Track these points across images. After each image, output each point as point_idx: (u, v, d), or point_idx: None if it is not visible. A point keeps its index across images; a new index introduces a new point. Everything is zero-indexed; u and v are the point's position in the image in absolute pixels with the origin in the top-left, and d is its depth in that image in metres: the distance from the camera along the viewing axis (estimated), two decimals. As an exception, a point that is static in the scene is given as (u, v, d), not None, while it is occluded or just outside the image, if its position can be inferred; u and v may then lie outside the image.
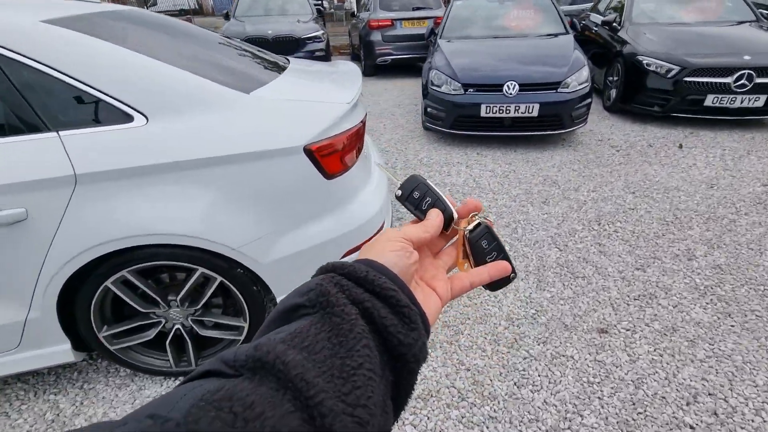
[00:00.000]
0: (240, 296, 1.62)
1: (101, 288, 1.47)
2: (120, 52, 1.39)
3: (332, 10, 17.95)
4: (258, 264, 1.55)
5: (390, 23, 7.48)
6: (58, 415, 1.64)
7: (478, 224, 0.45)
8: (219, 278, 1.57)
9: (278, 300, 1.66)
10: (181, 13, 18.78)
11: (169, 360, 1.70)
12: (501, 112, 3.94)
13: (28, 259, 1.34)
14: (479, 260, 0.45)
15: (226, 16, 8.16)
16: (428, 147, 4.31)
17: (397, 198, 0.45)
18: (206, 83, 1.45)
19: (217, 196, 1.44)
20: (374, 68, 7.89)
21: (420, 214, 0.44)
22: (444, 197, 0.44)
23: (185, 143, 1.38)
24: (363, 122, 1.78)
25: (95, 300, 1.49)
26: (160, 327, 1.65)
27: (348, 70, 2.23)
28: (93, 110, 1.33)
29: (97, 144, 1.32)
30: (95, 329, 1.55)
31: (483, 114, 3.97)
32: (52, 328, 1.48)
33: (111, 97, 1.33)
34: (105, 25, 1.54)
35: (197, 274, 1.54)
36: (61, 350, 1.53)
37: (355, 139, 1.67)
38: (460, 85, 4.04)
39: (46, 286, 1.38)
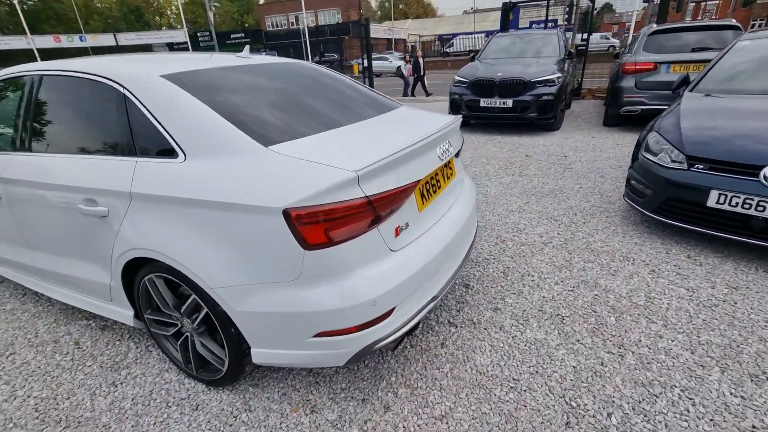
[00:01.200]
0: (221, 332, 1.67)
1: (141, 281, 1.83)
2: (191, 102, 1.67)
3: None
4: (232, 310, 1.56)
5: (652, 67, 6.06)
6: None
7: None
8: (205, 309, 1.67)
9: (252, 351, 1.62)
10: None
11: (179, 359, 1.95)
12: (749, 207, 2.53)
13: (107, 243, 1.81)
14: None
15: (472, 57, 8.58)
16: (614, 229, 3.24)
17: None
18: (235, 133, 1.56)
19: (207, 235, 1.53)
20: (617, 118, 6.59)
21: None
22: None
23: (194, 183, 1.53)
24: (380, 197, 1.50)
25: (140, 288, 1.87)
26: (176, 328, 1.91)
27: (431, 125, 1.96)
28: (159, 144, 1.66)
29: (147, 172, 1.65)
30: (141, 310, 1.95)
31: (711, 203, 2.66)
32: (122, 296, 1.95)
33: (171, 137, 1.62)
34: (211, 77, 1.89)
35: (191, 298, 1.70)
36: (128, 314, 2.00)
37: (354, 213, 1.43)
38: (683, 156, 2.84)
39: (114, 266, 1.83)
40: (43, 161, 2.02)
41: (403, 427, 1.66)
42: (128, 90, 1.74)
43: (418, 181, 1.71)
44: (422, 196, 1.81)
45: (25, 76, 2.17)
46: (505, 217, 3.64)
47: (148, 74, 1.77)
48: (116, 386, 1.96)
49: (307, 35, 16.22)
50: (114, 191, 1.71)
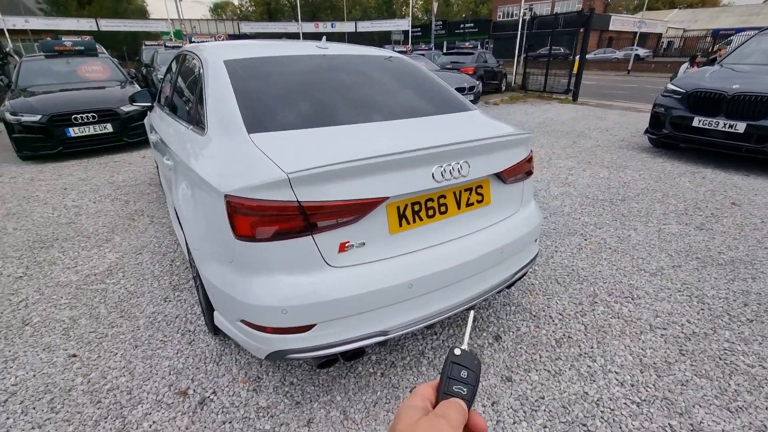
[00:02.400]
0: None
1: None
2: (224, 85, 1.87)
3: None
4: (200, 270, 1.74)
5: None
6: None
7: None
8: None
9: (214, 313, 1.80)
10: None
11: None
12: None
13: (170, 195, 2.28)
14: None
15: (712, 60, 6.43)
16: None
17: (452, 353, 0.44)
18: (235, 117, 1.69)
19: (194, 204, 1.74)
20: None
21: (445, 385, 0.43)
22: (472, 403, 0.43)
23: (199, 155, 1.75)
24: (316, 205, 1.37)
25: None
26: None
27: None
28: (201, 117, 1.95)
29: (186, 139, 1.97)
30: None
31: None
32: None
33: (206, 112, 1.89)
34: (260, 64, 2.06)
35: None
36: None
37: (281, 215, 1.37)
38: None
39: (173, 215, 2.30)
40: (168, 120, 2.66)
41: (309, 449, 1.57)
42: (203, 70, 2.08)
43: (385, 199, 1.48)
44: (401, 217, 1.57)
45: (183, 52, 2.85)
46: (616, 276, 2.75)
47: (215, 59, 2.07)
48: (167, 302, 2.49)
49: (522, 27, 15.28)
50: (174, 151, 2.12)
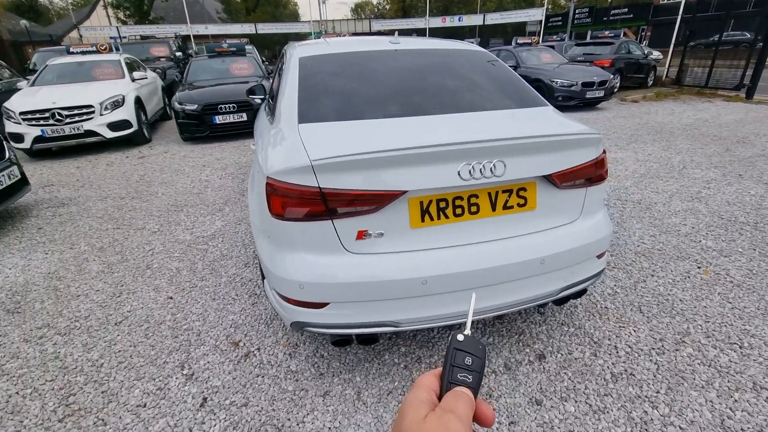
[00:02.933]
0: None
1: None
2: (292, 79, 2.07)
3: None
4: (255, 241, 2.00)
5: None
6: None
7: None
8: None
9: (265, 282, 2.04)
10: None
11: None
12: None
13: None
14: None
15: None
16: None
17: (455, 339, 0.42)
18: (292, 108, 1.88)
19: (253, 184, 2.00)
20: None
21: (449, 374, 0.41)
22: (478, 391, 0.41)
23: (264, 141, 1.99)
24: (336, 192, 1.46)
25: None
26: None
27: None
28: (274, 109, 2.20)
29: (261, 126, 2.24)
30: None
31: None
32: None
33: (276, 104, 2.12)
34: (329, 61, 2.20)
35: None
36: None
37: (305, 199, 1.49)
38: None
39: None
40: (262, 112, 3.03)
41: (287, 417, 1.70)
42: (286, 65, 2.34)
43: (402, 193, 1.49)
44: (424, 213, 1.56)
45: (283, 50, 3.20)
46: (726, 317, 2.21)
47: (296, 55, 2.30)
48: (246, 267, 2.89)
49: (686, 11, 12.86)
50: (255, 138, 2.44)
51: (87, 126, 6.15)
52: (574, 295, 1.96)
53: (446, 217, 1.59)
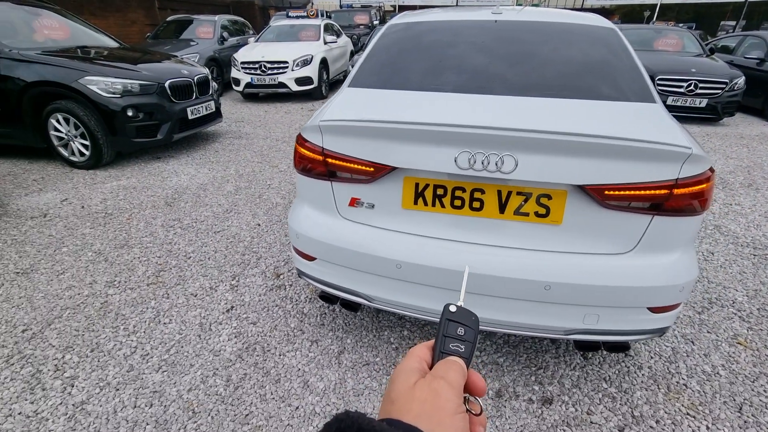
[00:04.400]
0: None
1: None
2: (369, 46, 2.10)
3: None
4: None
5: None
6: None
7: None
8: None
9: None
10: None
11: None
12: None
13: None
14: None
15: None
16: None
17: (447, 311, 0.42)
18: (353, 73, 1.94)
19: None
20: None
21: (441, 344, 0.40)
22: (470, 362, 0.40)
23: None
24: (332, 154, 1.49)
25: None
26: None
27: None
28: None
29: None
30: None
31: None
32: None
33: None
34: (415, 29, 2.12)
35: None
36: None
37: (312, 157, 1.58)
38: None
39: None
40: None
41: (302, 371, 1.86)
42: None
43: (391, 168, 1.42)
44: (418, 195, 1.47)
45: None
46: None
47: (389, 22, 2.31)
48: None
49: None
50: None
51: (281, 78, 7.47)
52: (610, 347, 1.55)
53: (442, 206, 1.45)
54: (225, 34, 8.97)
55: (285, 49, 7.74)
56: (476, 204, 1.42)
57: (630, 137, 1.25)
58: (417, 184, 1.45)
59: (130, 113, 3.97)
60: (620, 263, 1.37)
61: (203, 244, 2.75)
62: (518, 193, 1.37)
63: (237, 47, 8.68)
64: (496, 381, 1.75)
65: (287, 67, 7.47)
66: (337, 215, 1.61)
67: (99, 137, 3.95)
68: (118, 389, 1.68)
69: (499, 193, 1.38)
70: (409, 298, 1.54)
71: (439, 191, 1.44)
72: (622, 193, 1.29)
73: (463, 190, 1.41)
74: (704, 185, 1.31)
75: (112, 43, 5.24)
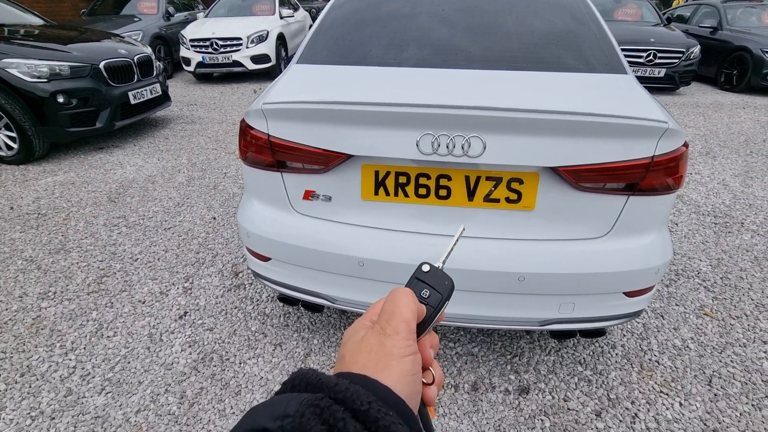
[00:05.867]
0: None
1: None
2: (317, 21, 1.89)
3: None
4: None
5: None
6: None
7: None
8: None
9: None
10: None
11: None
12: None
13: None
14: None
15: None
16: None
17: (420, 269, 0.40)
18: (301, 48, 1.74)
19: None
20: None
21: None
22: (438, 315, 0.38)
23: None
24: (279, 142, 1.32)
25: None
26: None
27: None
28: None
29: None
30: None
31: None
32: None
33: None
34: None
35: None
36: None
37: (257, 144, 1.39)
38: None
39: None
40: None
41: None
42: None
43: (346, 156, 1.27)
44: (379, 185, 1.32)
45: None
46: None
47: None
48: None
49: None
50: None
51: (235, 56, 6.99)
52: (586, 334, 1.50)
53: (406, 195, 1.32)
54: (171, 9, 8.27)
55: (238, 25, 7.21)
56: (443, 192, 1.29)
57: (605, 113, 1.15)
58: (377, 173, 1.31)
59: (61, 99, 3.55)
60: (595, 248, 1.29)
61: (152, 244, 2.51)
62: (488, 178, 1.25)
63: (185, 23, 8.02)
64: (472, 373, 1.67)
65: (241, 44, 6.98)
66: (291, 210, 1.44)
67: (27, 128, 3.52)
68: (53, 418, 1.49)
69: (467, 179, 1.26)
70: (375, 298, 1.41)
71: (402, 179, 1.30)
72: (597, 173, 1.20)
73: (428, 177, 1.28)
74: (679, 161, 1.23)
75: (37, 21, 4.67)
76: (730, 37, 7.07)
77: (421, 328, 0.36)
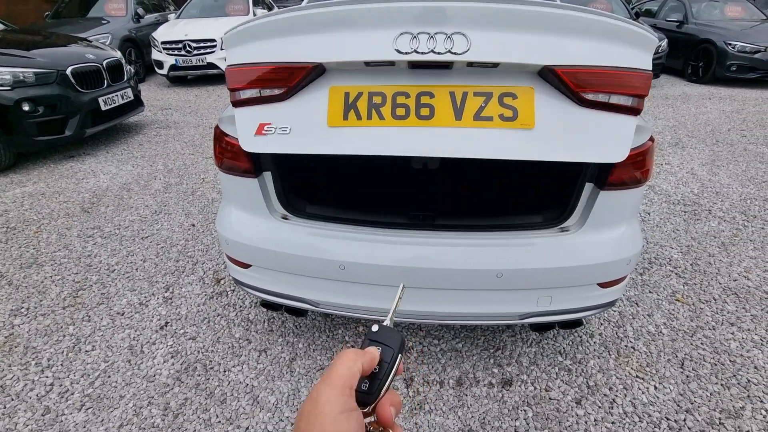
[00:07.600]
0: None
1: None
2: None
3: None
4: None
5: None
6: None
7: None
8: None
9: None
10: None
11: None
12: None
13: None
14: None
15: None
16: None
17: (370, 330, 0.42)
18: None
19: None
20: None
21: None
22: (387, 383, 0.38)
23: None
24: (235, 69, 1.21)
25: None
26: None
27: None
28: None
29: None
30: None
31: None
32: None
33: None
34: None
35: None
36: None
37: (222, 146, 1.38)
38: None
39: None
40: None
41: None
42: None
43: (316, 65, 1.12)
44: (349, 107, 1.15)
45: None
46: None
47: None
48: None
49: None
50: None
51: (209, 58, 6.87)
52: (564, 325, 1.54)
53: (381, 117, 1.14)
54: (140, 10, 8.06)
55: (211, 26, 7.09)
56: (425, 111, 1.13)
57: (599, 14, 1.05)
58: (347, 94, 1.15)
59: (26, 107, 3.43)
60: (568, 242, 1.33)
61: (129, 254, 2.46)
62: (476, 94, 1.12)
63: (156, 25, 7.83)
64: (456, 369, 1.70)
65: (215, 46, 6.86)
66: (269, 217, 1.43)
67: (-9, 138, 3.39)
68: (31, 438, 1.45)
69: (452, 95, 1.12)
70: (359, 300, 1.43)
71: (376, 99, 1.14)
72: (601, 78, 1.08)
73: (407, 95, 1.13)
74: (646, 155, 1.28)
75: (-3, 26, 4.49)
76: (696, 30, 7.33)
77: (380, 385, 0.37)
